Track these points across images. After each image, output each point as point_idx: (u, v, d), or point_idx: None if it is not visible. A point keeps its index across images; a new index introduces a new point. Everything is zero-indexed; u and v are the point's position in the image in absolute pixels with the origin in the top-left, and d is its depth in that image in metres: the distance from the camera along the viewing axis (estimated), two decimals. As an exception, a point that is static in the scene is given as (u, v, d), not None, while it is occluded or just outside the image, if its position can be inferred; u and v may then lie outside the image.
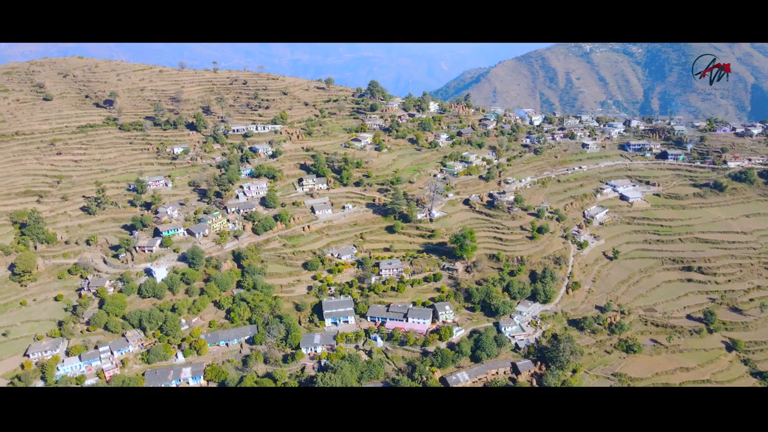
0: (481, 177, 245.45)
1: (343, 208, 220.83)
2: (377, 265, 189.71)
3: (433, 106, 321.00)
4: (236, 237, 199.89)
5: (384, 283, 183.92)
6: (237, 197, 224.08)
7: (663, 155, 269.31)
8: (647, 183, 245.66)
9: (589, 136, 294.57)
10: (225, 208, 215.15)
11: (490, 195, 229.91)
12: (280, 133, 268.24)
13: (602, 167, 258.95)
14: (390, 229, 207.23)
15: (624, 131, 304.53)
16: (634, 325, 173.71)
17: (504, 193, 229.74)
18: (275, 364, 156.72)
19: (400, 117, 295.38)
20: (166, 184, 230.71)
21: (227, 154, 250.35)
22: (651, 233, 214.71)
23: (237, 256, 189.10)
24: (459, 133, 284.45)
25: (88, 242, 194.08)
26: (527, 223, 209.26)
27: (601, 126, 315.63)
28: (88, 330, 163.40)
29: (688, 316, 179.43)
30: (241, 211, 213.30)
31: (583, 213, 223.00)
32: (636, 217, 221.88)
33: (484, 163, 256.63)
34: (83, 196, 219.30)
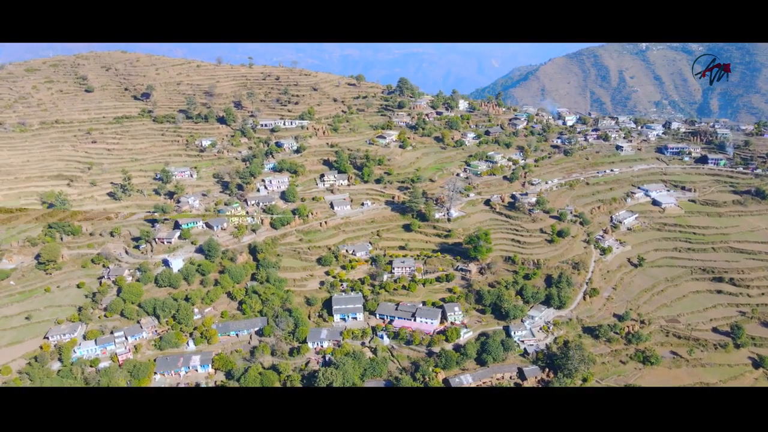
0: (505, 177, 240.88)
1: (362, 204, 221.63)
2: (390, 263, 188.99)
3: (463, 104, 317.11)
4: (254, 231, 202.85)
5: (396, 281, 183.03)
6: (258, 190, 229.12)
7: (703, 159, 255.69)
8: (683, 188, 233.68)
9: (624, 137, 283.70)
10: (245, 200, 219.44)
11: (512, 196, 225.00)
12: (307, 129, 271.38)
13: (636, 170, 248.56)
14: (407, 228, 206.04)
15: (663, 133, 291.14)
16: (654, 336, 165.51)
17: (526, 194, 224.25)
18: (281, 357, 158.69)
19: (427, 115, 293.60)
20: (191, 175, 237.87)
21: (253, 148, 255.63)
22: (682, 241, 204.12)
23: (253, 250, 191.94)
24: (487, 132, 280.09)
25: (111, 234, 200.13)
26: (548, 226, 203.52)
27: (639, 128, 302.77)
28: (105, 316, 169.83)
29: (714, 329, 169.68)
30: (261, 204, 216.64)
31: (611, 218, 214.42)
32: (667, 224, 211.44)
33: (510, 163, 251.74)
34: (111, 183, 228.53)
